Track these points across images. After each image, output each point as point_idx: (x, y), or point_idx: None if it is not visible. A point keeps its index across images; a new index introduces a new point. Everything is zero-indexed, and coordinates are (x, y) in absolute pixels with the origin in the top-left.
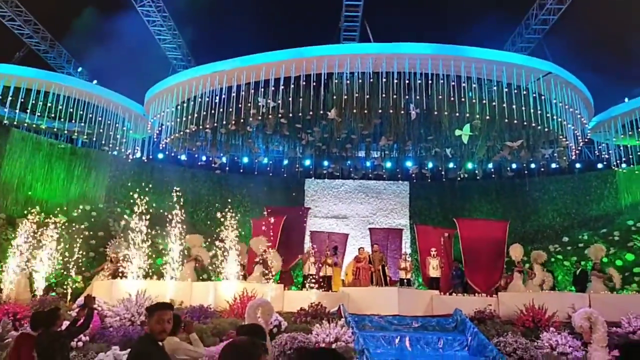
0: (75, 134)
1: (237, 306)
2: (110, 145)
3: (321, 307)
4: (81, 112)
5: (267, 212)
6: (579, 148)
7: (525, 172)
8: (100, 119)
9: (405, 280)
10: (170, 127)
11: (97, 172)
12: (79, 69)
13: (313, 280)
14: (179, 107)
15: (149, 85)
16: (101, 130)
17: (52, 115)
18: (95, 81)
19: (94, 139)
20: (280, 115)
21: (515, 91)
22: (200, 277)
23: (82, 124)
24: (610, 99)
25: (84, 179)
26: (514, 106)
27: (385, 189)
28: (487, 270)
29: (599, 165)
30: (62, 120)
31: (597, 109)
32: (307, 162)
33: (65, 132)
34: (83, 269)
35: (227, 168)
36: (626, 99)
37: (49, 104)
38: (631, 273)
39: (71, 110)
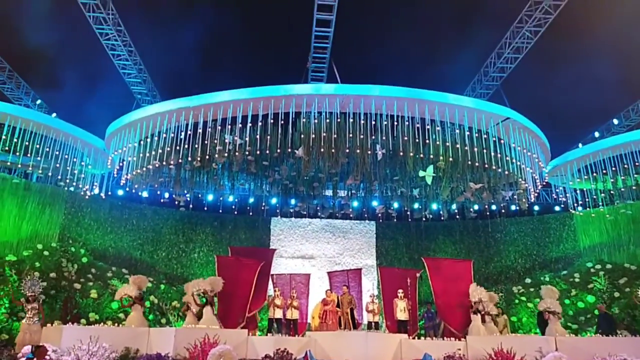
0: (30, 168)
1: (197, 353)
2: (67, 181)
3: (287, 354)
4: (37, 146)
5: (231, 252)
6: (537, 191)
7: (487, 213)
8: (57, 153)
9: (373, 324)
10: (132, 163)
11: (52, 209)
12: (38, 102)
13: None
14: (142, 142)
15: (111, 120)
16: (58, 165)
17: (6, 148)
18: (54, 114)
19: (50, 174)
20: (247, 153)
21: (477, 135)
22: (159, 323)
23: (38, 158)
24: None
25: (37, 216)
26: (475, 149)
27: (352, 229)
28: (460, 309)
29: (557, 208)
30: (17, 154)
31: (553, 154)
32: (274, 201)
33: (19, 166)
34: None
35: (191, 206)
36: (580, 145)
37: (3, 137)
38: (593, 315)
39: (27, 143)
